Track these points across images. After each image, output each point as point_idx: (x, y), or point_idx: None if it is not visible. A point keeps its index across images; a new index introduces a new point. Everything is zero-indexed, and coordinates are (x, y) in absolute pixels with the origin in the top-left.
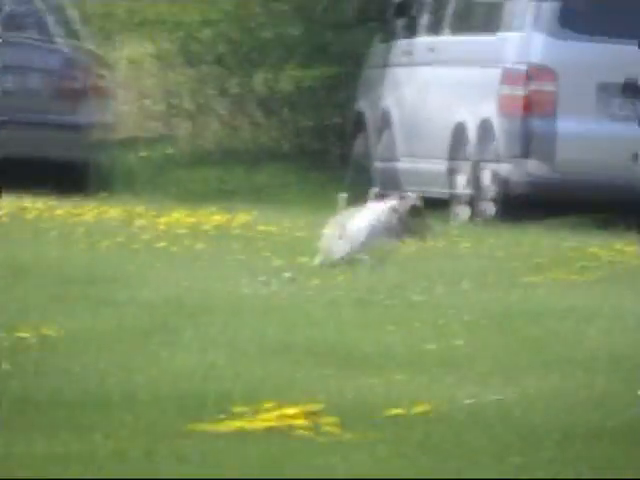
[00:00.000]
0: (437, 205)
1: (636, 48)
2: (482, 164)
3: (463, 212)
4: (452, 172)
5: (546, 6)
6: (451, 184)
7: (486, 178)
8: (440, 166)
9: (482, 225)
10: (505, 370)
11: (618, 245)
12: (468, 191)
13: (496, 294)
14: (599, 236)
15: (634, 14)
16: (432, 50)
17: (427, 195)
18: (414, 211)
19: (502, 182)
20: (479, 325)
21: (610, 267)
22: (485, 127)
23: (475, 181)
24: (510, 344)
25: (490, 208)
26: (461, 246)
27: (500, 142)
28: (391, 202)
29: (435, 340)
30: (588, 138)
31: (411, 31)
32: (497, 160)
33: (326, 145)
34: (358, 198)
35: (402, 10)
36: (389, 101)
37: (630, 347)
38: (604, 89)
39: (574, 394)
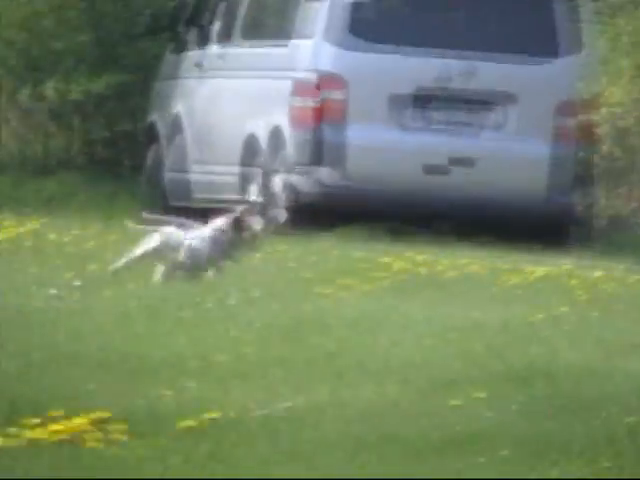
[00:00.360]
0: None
1: (427, 57)
2: (273, 173)
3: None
4: (245, 181)
5: (336, 15)
6: (244, 193)
7: (277, 187)
8: (233, 175)
9: (273, 234)
10: (297, 380)
11: (408, 254)
12: (260, 199)
13: (288, 304)
14: (390, 245)
15: (424, 23)
16: (224, 60)
17: (220, 203)
18: (240, 224)
19: (293, 191)
20: (271, 335)
21: (400, 276)
22: (276, 136)
23: (266, 190)
24: (302, 354)
25: (281, 217)
26: (253, 255)
27: (291, 150)
28: (219, 219)
29: (226, 350)
30: (379, 147)
31: (203, 41)
32: (288, 169)
33: (117, 154)
34: (150, 208)
35: (193, 20)
36: (180, 111)
37: (419, 356)
38: (395, 99)
39: (366, 403)
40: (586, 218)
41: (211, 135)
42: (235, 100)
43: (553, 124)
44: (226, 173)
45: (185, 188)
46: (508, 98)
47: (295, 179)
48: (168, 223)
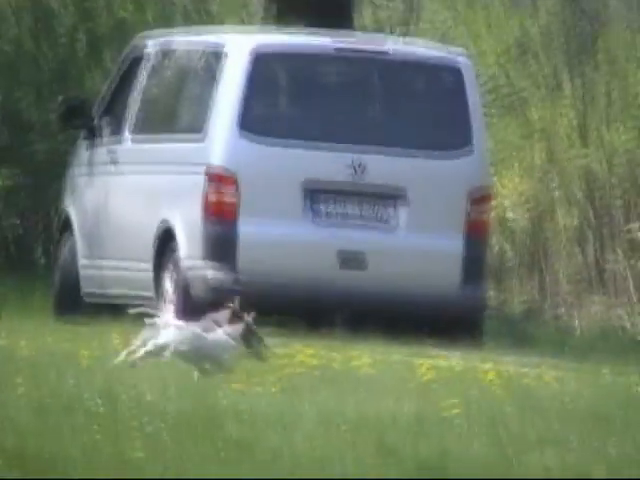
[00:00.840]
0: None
1: (319, 151)
2: (164, 268)
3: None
4: (151, 275)
5: (227, 111)
6: (154, 287)
7: (169, 282)
8: (141, 270)
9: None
10: (210, 474)
11: (320, 349)
12: (151, 294)
13: (202, 399)
14: (302, 340)
15: (317, 118)
16: (120, 154)
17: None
18: (248, 331)
19: (183, 286)
20: (185, 430)
21: (314, 372)
22: (167, 232)
23: (157, 285)
24: (216, 448)
25: (172, 312)
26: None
27: (182, 246)
28: (225, 324)
29: (141, 445)
30: (271, 243)
31: (109, 134)
32: (180, 265)
33: (29, 247)
34: (65, 299)
35: (71, 115)
36: (85, 204)
37: (332, 451)
38: (283, 196)
39: None
40: (497, 311)
41: (110, 228)
42: (131, 194)
43: (454, 219)
44: (134, 267)
45: (98, 282)
46: (406, 193)
47: (186, 275)
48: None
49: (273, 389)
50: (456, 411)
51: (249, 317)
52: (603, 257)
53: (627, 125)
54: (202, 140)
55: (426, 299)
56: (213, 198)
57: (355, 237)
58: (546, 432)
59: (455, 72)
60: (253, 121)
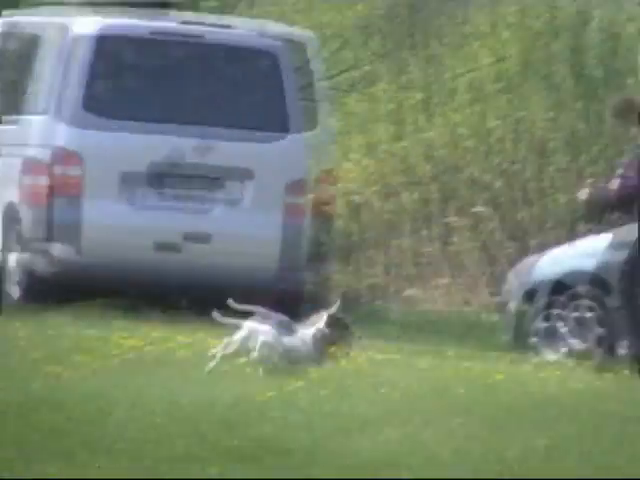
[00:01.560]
0: None
1: (160, 134)
2: (9, 246)
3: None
4: None
5: (70, 91)
6: None
7: (12, 261)
8: None
9: (7, 309)
10: (26, 457)
11: (142, 331)
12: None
13: (17, 382)
14: (124, 323)
15: (158, 100)
16: None
17: None
18: (333, 322)
19: (27, 266)
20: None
21: (132, 354)
22: (11, 211)
23: (2, 265)
24: (31, 432)
25: (15, 291)
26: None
27: (25, 226)
28: (315, 317)
29: None
30: (113, 225)
31: None
32: (22, 243)
33: None
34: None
35: None
36: None
37: (150, 433)
38: (129, 175)
39: None
40: (319, 294)
41: None
42: None
43: (284, 201)
44: None
45: None
46: (240, 174)
47: (29, 253)
48: (253, 313)
49: (88, 371)
50: (271, 394)
51: (333, 307)
52: (448, 238)
53: (464, 107)
54: (47, 121)
55: (249, 281)
56: (57, 178)
57: (174, 221)
58: (363, 413)
59: (270, 57)
60: (96, 102)
